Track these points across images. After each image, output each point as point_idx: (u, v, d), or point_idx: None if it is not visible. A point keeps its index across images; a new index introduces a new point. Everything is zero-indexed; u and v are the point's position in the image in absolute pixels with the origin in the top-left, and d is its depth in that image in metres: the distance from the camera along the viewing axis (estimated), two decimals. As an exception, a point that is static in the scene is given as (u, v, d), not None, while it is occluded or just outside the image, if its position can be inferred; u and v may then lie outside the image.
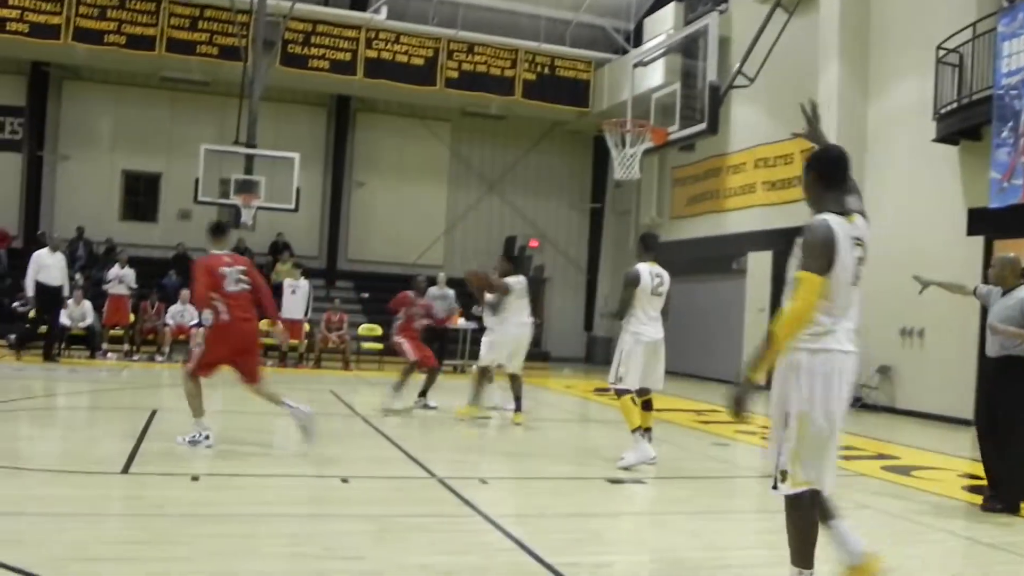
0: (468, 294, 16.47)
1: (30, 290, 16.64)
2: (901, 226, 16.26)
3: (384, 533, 5.85)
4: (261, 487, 7.26)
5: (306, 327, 19.74)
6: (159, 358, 18.66)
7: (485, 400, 12.23)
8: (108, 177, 24.34)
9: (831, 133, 17.39)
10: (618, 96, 22.94)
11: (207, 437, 8.69)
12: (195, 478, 7.15)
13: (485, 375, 11.95)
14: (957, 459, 10.85)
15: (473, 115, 26.38)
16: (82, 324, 18.07)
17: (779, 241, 19.60)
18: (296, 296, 19.37)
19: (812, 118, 5.15)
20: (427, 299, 13.48)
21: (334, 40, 22.98)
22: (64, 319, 18.08)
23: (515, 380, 11.72)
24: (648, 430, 8.96)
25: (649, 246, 9.21)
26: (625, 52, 24.42)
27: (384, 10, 23.05)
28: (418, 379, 12.75)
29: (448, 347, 19.76)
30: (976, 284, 8.51)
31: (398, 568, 5.05)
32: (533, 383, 15.73)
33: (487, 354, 11.91)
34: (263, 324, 10.31)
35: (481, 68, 24.19)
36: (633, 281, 8.77)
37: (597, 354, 25.59)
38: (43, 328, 17.26)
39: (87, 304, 18.20)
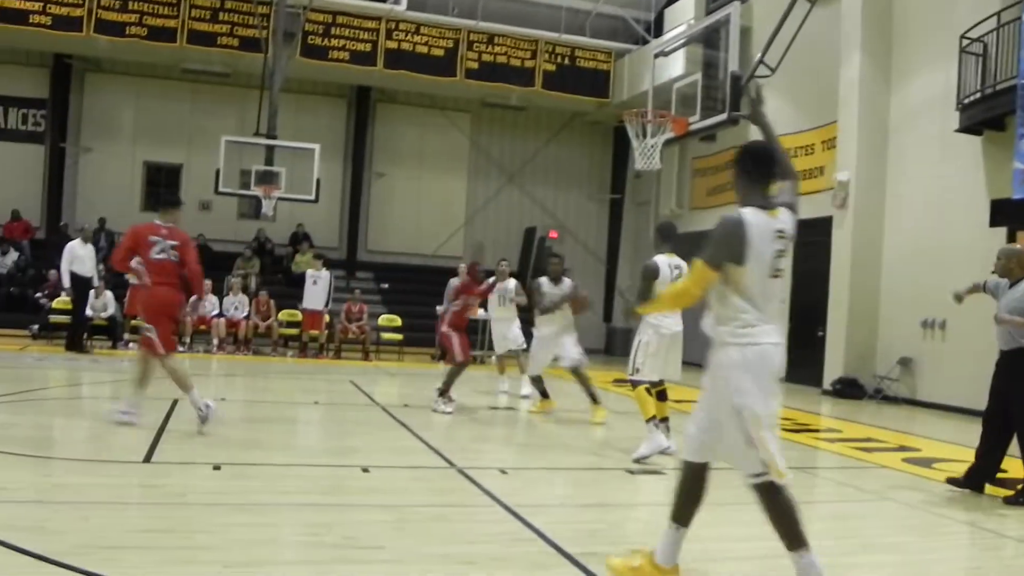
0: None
1: (67, 281, 16.76)
2: (923, 217, 16.17)
3: (404, 523, 5.87)
4: (282, 476, 7.30)
5: (326, 317, 19.80)
6: (180, 348, 18.75)
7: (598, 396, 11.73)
8: (130, 168, 24.46)
9: (853, 123, 17.32)
10: (638, 87, 22.86)
11: (207, 406, 8.85)
12: (217, 467, 7.19)
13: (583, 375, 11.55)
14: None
15: (493, 106, 26.35)
16: (104, 314, 18.20)
17: (800, 232, 19.37)
18: (317, 287, 19.43)
19: (756, 100, 5.23)
20: (485, 286, 12.46)
21: (354, 31, 22.99)
22: (87, 309, 18.21)
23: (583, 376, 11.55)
24: (665, 420, 8.94)
25: (666, 237, 9.12)
26: (646, 42, 24.32)
27: (404, 1, 23.03)
28: (438, 368, 12.78)
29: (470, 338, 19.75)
30: (985, 279, 8.47)
31: (418, 558, 5.06)
32: (553, 374, 15.62)
33: (574, 351, 11.60)
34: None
35: (501, 59, 24.15)
36: (652, 273, 8.58)
37: (616, 345, 25.54)
38: (64, 318, 17.41)
39: (109, 295, 18.32)
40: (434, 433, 9.81)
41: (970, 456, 8.17)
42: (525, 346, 13.36)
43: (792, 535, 4.57)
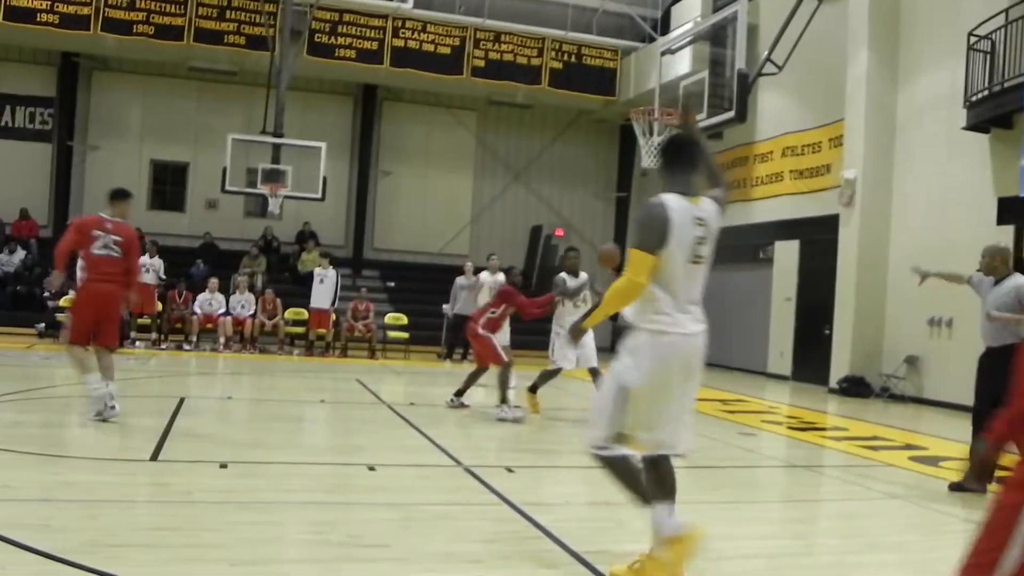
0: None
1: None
2: (930, 215, 16.14)
3: (410, 521, 5.87)
4: (288, 475, 7.31)
5: (332, 316, 19.82)
6: (187, 347, 18.80)
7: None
8: (136, 167, 24.49)
9: (860, 121, 17.28)
10: (645, 84, 22.86)
11: (112, 408, 8.89)
12: (223, 465, 7.19)
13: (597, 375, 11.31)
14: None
15: (499, 104, 26.35)
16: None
17: (807, 230, 19.51)
18: (324, 285, 19.45)
19: (686, 113, 5.35)
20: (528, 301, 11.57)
21: (361, 29, 23.00)
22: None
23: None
24: None
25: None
26: (652, 40, 24.30)
27: (411, -1, 23.06)
28: (462, 368, 12.73)
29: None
30: (970, 274, 8.51)
31: (423, 556, 5.07)
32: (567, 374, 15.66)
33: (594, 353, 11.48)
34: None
35: (508, 57, 24.13)
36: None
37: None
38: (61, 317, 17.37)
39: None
40: (440, 431, 9.82)
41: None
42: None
43: (634, 495, 4.83)
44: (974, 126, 15.03)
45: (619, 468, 4.80)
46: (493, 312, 11.39)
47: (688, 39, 20.15)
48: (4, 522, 5.09)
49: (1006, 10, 14.50)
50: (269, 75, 21.58)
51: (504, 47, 24.13)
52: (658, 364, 4.56)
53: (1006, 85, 14.35)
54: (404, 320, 21.52)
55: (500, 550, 5.27)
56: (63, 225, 23.01)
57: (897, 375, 16.39)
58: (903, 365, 16.31)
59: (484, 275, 17.05)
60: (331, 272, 19.63)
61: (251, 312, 19.64)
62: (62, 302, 19.03)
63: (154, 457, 7.42)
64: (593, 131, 27.82)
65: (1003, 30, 14.56)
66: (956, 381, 15.31)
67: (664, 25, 24.76)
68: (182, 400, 10.95)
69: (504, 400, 10.92)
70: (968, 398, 8.10)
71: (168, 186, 25.13)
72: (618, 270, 8.10)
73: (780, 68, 17.86)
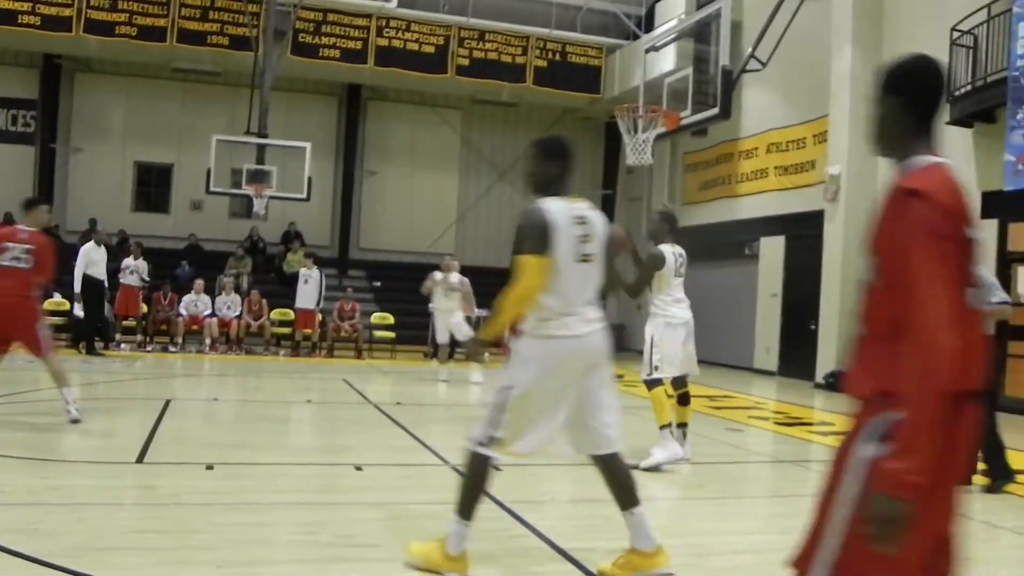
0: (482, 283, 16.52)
1: (79, 285, 16.66)
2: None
3: (397, 521, 5.88)
4: (275, 475, 7.30)
5: (318, 316, 19.79)
6: (172, 348, 18.75)
7: None
8: (120, 169, 24.41)
9: (845, 116, 17.34)
10: (630, 82, 22.87)
11: (69, 412, 9.01)
12: (210, 467, 7.18)
13: None
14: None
15: (484, 103, 26.35)
16: (96, 315, 18.14)
17: (792, 226, 19.57)
18: (308, 286, 19.42)
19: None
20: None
21: (345, 29, 22.96)
22: (77, 311, 18.18)
23: None
24: (683, 426, 8.44)
25: (674, 227, 8.78)
26: (636, 37, 24.32)
27: (394, -2, 23.04)
28: (430, 366, 12.70)
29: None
30: None
31: (412, 555, 5.07)
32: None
33: None
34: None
35: (492, 55, 24.13)
36: (659, 262, 8.17)
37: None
38: (56, 319, 17.30)
39: (100, 295, 18.27)
40: (427, 431, 9.82)
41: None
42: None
43: (463, 503, 4.75)
44: (957, 121, 15.09)
45: (475, 470, 4.76)
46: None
47: (672, 36, 20.17)
48: (-11, 526, 5.08)
49: (988, 5, 14.57)
50: (253, 75, 21.53)
51: (488, 46, 24.12)
52: (543, 370, 4.59)
53: (989, 80, 14.42)
54: (390, 320, 21.50)
55: (489, 549, 5.27)
56: (46, 229, 22.93)
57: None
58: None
59: (436, 274, 16.75)
60: (315, 272, 19.60)
61: (237, 313, 19.60)
62: (46, 305, 18.98)
63: (140, 459, 7.40)
64: (578, 129, 27.82)
65: (986, 25, 14.63)
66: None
67: (648, 22, 24.81)
68: (168, 402, 10.92)
69: None
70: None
71: (152, 188, 25.04)
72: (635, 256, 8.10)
73: (764, 64, 17.89)
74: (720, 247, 21.47)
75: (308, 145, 21.23)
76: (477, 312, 17.66)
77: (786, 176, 20.02)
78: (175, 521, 5.59)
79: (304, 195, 21.15)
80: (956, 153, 15.40)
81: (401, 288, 23.98)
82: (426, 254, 25.73)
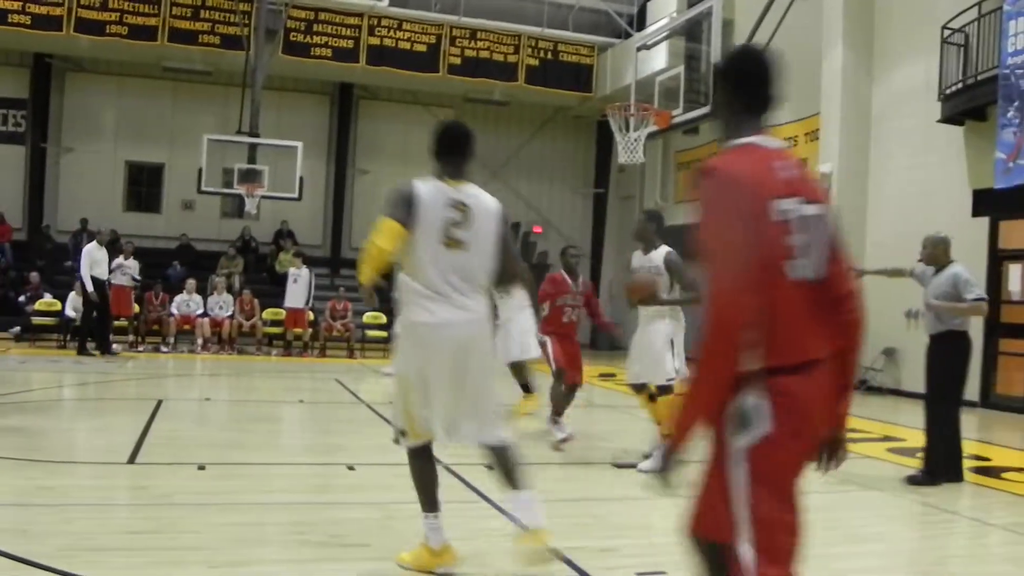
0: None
1: (89, 285, 16.62)
2: (905, 207, 16.22)
3: (390, 520, 5.87)
4: (267, 475, 7.29)
5: (309, 315, 19.76)
6: (164, 348, 18.71)
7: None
8: (111, 168, 24.35)
9: (836, 115, 17.37)
10: (621, 80, 22.88)
11: None
12: (201, 467, 7.17)
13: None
14: (964, 441, 10.82)
15: (476, 101, 26.32)
16: (86, 315, 18.08)
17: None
18: (298, 285, 19.37)
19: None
20: (583, 282, 10.14)
21: (336, 28, 22.93)
22: (69, 311, 18.15)
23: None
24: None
25: (660, 226, 8.67)
26: (628, 36, 24.33)
27: (386, -3, 23.02)
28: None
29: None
30: (912, 266, 8.67)
31: (404, 554, 5.06)
32: (537, 370, 15.40)
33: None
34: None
35: (484, 54, 24.12)
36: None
37: (601, 340, 25.53)
38: (47, 319, 17.26)
39: (92, 295, 18.22)
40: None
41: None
42: None
43: (421, 499, 4.90)
44: (949, 119, 15.14)
45: (412, 464, 4.87)
46: (541, 311, 9.93)
47: (664, 34, 20.20)
48: (-20, 527, 5.07)
49: (979, 3, 14.61)
50: (244, 75, 21.49)
51: (480, 44, 24.11)
52: (412, 354, 4.61)
53: (980, 78, 14.46)
54: (383, 319, 21.46)
55: (480, 547, 5.28)
56: (38, 228, 22.94)
57: (875, 367, 16.48)
58: (881, 357, 16.40)
59: None
60: (305, 271, 19.56)
61: (229, 313, 19.57)
62: (38, 305, 18.93)
63: (131, 460, 7.39)
64: (570, 127, 27.85)
65: (976, 23, 14.67)
66: (933, 372, 15.44)
67: (640, 21, 24.81)
68: (160, 402, 10.90)
69: (555, 421, 9.48)
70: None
71: (144, 187, 24.99)
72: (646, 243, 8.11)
73: (756, 63, 17.92)
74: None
75: (300, 144, 21.21)
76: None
77: (778, 174, 20.02)
78: (167, 521, 5.58)
79: (296, 194, 21.14)
80: (947, 152, 15.46)
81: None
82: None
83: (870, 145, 17.33)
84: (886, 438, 10.65)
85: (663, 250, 8.18)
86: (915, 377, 15.85)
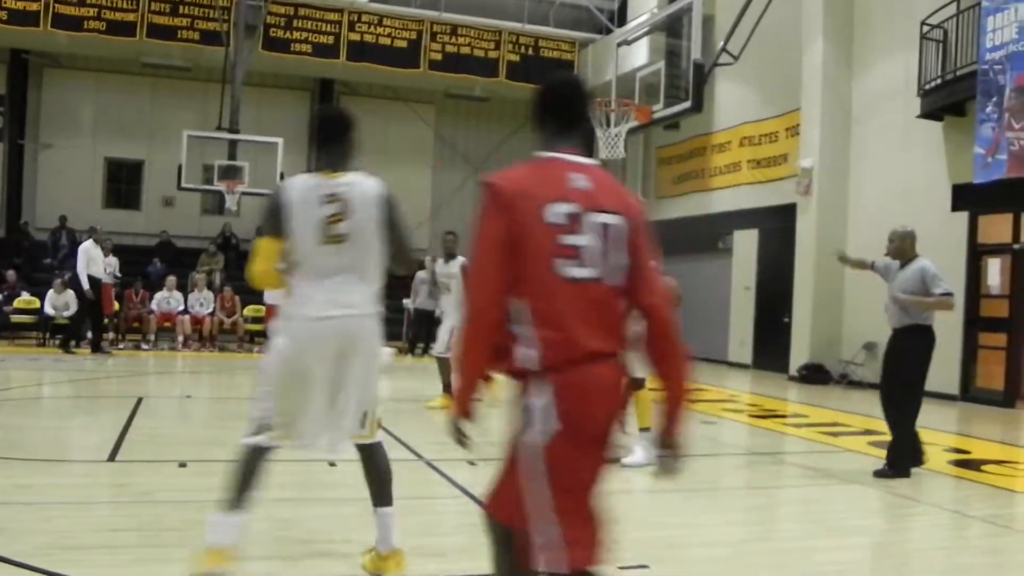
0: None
1: (86, 283, 16.52)
2: (886, 202, 16.29)
3: (372, 516, 5.85)
4: (249, 472, 7.25)
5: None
6: (144, 346, 18.60)
7: None
8: (90, 165, 24.19)
9: (816, 110, 17.43)
10: (602, 76, 22.87)
11: None
12: (182, 464, 7.14)
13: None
14: (944, 434, 10.91)
15: (457, 97, 26.29)
16: (66, 313, 17.96)
17: (765, 219, 19.65)
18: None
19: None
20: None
21: (316, 23, 22.85)
22: (48, 308, 18.03)
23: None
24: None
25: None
26: (609, 31, 24.35)
27: (366, -8, 22.96)
28: (405, 361, 12.56)
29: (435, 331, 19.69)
30: (873, 259, 8.71)
31: (387, 550, 5.05)
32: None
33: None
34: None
35: (465, 50, 24.09)
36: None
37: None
38: (26, 317, 17.12)
39: (70, 293, 18.06)
40: (402, 427, 9.77)
41: (936, 438, 8.28)
42: None
43: (231, 494, 4.59)
44: (928, 114, 15.21)
45: (246, 461, 4.62)
46: None
47: (644, 30, 20.22)
48: (-42, 526, 5.03)
49: (957, -1, 14.69)
50: (224, 71, 21.40)
51: (461, 40, 24.08)
52: (285, 350, 4.43)
53: (958, 73, 14.53)
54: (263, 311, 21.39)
55: (463, 543, 5.27)
56: (16, 225, 22.78)
57: (856, 361, 16.56)
58: (862, 351, 16.47)
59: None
60: (283, 267, 19.46)
61: (210, 310, 19.48)
62: (16, 303, 18.80)
63: (112, 458, 7.35)
64: (551, 123, 27.82)
65: (955, 19, 14.74)
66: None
67: (621, 16, 24.84)
68: (140, 400, 10.84)
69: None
70: (927, 383, 8.24)
71: (123, 184, 24.84)
72: None
73: (736, 58, 17.97)
74: (694, 241, 21.53)
75: (280, 141, 21.15)
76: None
77: (759, 170, 20.10)
78: (148, 519, 5.55)
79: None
80: (926, 147, 15.53)
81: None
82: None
83: (850, 140, 17.41)
84: (867, 432, 10.69)
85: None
86: (895, 371, 16.01)
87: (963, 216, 14.84)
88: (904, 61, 15.92)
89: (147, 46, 22.05)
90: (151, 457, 7.49)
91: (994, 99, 13.40)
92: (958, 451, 9.82)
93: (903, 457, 7.89)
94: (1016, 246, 14.31)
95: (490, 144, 27.26)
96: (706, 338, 20.86)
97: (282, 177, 20.99)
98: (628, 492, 7.46)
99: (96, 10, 21.31)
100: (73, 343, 16.99)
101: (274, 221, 4.42)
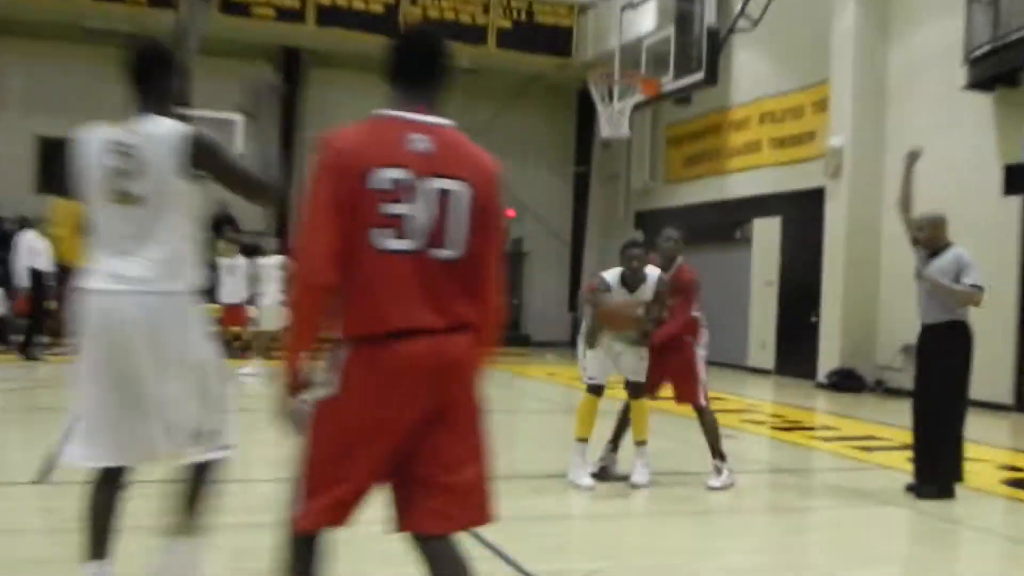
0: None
1: (26, 279, 16.43)
2: (928, 186, 16.12)
3: (342, 544, 5.73)
4: (199, 494, 7.16)
5: (249, 312, 19.52)
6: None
7: None
8: (19, 144, 24.00)
9: (848, 81, 17.36)
10: (604, 44, 22.82)
11: None
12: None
13: None
14: (995, 449, 10.85)
15: (441, 68, 26.21)
16: (-6, 314, 17.88)
17: (789, 206, 19.61)
18: (235, 278, 19.13)
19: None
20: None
21: (280, -17, 22.80)
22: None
23: None
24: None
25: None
26: (612, -6, 24.32)
27: (336, -52, 22.87)
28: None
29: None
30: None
31: (356, 583, 4.98)
32: (512, 371, 15.42)
33: None
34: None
35: (449, 15, 24.01)
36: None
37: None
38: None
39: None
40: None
41: (987, 454, 8.22)
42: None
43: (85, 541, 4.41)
44: (976, 85, 15.13)
45: (92, 498, 4.48)
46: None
47: (652, -8, 20.18)
48: None
49: (1009, -46, 14.62)
50: (175, 37, 21.28)
51: (445, 4, 24.02)
52: (79, 332, 4.07)
53: (1011, 38, 14.44)
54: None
55: None
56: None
57: (893, 366, 16.50)
58: (900, 355, 16.42)
59: None
60: (241, 262, 19.31)
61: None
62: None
63: (39, 479, 7.25)
64: (547, 98, 27.76)
65: (1006, -24, 14.69)
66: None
67: (625, -23, 24.79)
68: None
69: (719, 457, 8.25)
70: (974, 391, 8.17)
71: (58, 166, 24.68)
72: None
73: (755, 24, 17.93)
74: (708, 230, 21.46)
75: (239, 117, 21.02)
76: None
77: (782, 150, 20.05)
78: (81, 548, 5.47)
79: (235, 174, 20.96)
80: (974, 122, 15.47)
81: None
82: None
83: (887, 115, 17.35)
84: (906, 446, 10.63)
85: None
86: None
87: (1016, 201, 14.78)
88: (948, 25, 15.86)
89: (87, 9, 21.96)
90: (84, 478, 7.38)
91: (1050, 68, 13.35)
92: (1012, 468, 9.77)
93: (945, 472, 7.81)
94: (1074, 235, 14.28)
95: (478, 122, 27.01)
96: (722, 340, 20.73)
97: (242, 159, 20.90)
98: (633, 516, 7.40)
99: (28, -32, 21.23)
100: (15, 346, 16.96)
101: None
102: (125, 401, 4.11)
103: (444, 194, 3.18)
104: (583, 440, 7.93)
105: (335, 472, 3.24)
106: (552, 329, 27.01)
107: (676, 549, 6.10)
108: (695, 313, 8.41)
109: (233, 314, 19.29)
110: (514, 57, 24.72)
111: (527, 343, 25.12)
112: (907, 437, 11.12)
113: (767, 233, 20.39)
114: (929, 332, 8.03)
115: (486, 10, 24.29)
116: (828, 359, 17.61)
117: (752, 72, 21.01)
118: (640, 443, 7.98)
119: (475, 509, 3.32)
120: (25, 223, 17.45)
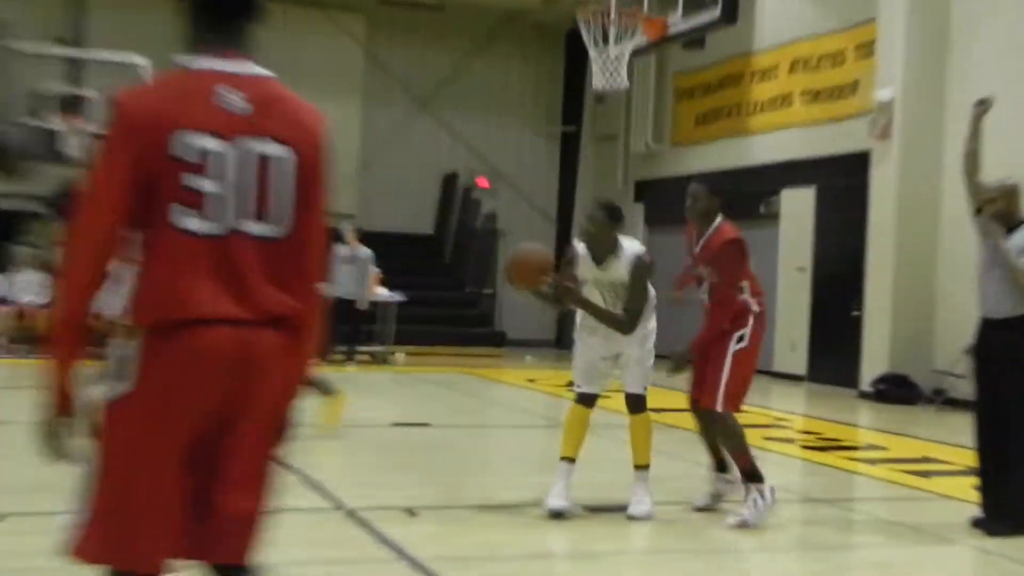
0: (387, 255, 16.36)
1: None
2: (998, 149, 16.15)
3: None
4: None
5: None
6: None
7: None
8: None
9: (900, 20, 17.33)
10: (598, -27, 22.83)
11: None
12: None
13: None
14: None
15: (397, 4, 26.16)
16: None
17: (826, 174, 19.61)
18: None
19: None
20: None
21: None
22: None
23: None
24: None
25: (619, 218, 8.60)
26: (608, -88, 24.31)
27: None
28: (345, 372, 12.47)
29: (364, 328, 19.60)
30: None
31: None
32: (484, 375, 15.31)
33: None
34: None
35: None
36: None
37: (570, 336, 25.57)
38: None
39: None
40: (316, 462, 9.62)
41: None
42: None
43: None
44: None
45: None
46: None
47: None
48: None
49: None
50: None
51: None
52: None
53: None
54: None
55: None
56: None
57: (955, 372, 16.50)
58: (963, 358, 16.43)
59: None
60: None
61: (42, 299, 19.21)
62: None
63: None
64: (529, 41, 27.76)
65: None
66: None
67: None
68: None
69: (753, 479, 8.14)
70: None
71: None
72: None
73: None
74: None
75: (146, 62, 20.91)
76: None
77: (817, 104, 20.07)
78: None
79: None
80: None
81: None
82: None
83: (946, 64, 17.34)
84: (971, 470, 10.65)
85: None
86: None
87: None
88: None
89: None
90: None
91: None
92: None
93: (1019, 504, 7.78)
94: None
95: (442, 70, 27.10)
96: (743, 340, 20.84)
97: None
98: (627, 553, 7.37)
99: None
100: None
101: None
102: None
103: (263, 160, 3.21)
104: (568, 460, 7.93)
105: (136, 487, 3.19)
106: (532, 326, 26.93)
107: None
108: (743, 294, 8.56)
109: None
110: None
111: (502, 342, 25.06)
112: (972, 459, 11.16)
113: (798, 207, 20.40)
114: (995, 329, 7.97)
115: (454, -69, 24.30)
116: (874, 363, 17.62)
117: (781, 9, 21.02)
118: (640, 468, 7.96)
119: (232, 541, 3.43)
120: None
